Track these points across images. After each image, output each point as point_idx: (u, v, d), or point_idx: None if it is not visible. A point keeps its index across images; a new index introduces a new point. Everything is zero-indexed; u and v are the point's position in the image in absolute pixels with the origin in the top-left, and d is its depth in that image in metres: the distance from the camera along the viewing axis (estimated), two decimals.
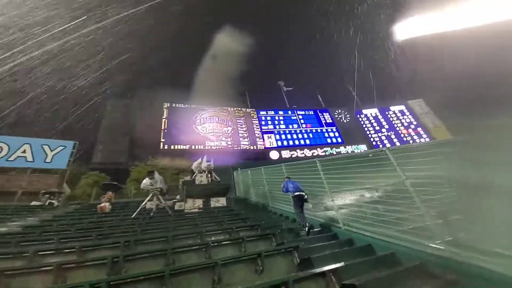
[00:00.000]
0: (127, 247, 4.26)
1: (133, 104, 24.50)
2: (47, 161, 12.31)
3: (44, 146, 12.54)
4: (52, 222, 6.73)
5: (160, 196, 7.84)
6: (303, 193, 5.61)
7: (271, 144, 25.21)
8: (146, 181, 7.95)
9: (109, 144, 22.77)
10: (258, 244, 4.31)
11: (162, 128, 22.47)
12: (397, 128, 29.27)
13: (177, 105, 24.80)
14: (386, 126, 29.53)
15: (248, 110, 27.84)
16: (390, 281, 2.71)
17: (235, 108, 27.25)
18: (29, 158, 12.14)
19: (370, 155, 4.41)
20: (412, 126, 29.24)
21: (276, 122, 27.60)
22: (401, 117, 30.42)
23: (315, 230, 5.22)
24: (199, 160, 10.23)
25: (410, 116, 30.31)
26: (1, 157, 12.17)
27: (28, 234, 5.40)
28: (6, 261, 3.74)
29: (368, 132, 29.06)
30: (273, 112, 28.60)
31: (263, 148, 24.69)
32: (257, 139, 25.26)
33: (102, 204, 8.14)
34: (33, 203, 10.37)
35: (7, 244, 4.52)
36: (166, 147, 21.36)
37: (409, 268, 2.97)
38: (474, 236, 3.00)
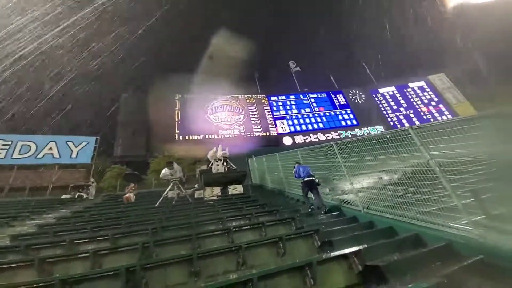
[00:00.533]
0: (155, 233, 4.52)
1: (147, 97, 25.00)
2: (72, 156, 13.09)
3: (68, 142, 13.29)
4: (83, 213, 7.24)
5: (180, 185, 8.14)
6: (314, 178, 5.73)
7: (284, 130, 25.02)
8: (165, 171, 8.25)
9: (128, 138, 23.68)
10: (278, 228, 4.41)
11: (176, 119, 22.90)
12: (417, 106, 27.81)
13: (188, 96, 25.00)
14: (405, 105, 28.13)
15: (259, 96, 27.52)
16: (414, 262, 2.69)
17: (245, 96, 27.04)
18: (56, 155, 12.96)
19: (388, 136, 4.28)
20: (433, 103, 27.65)
21: (288, 107, 27.16)
22: (420, 94, 28.79)
23: (333, 213, 5.23)
24: (214, 149, 10.40)
25: (430, 93, 28.61)
26: (30, 155, 13.07)
27: (63, 224, 5.87)
28: (47, 250, 4.10)
29: (385, 112, 27.90)
30: (284, 97, 28.09)
31: (276, 134, 24.58)
32: (270, 126, 25.13)
33: (127, 195, 8.63)
34: (64, 196, 11.16)
35: (46, 234, 4.95)
36: (181, 138, 21.86)
37: (434, 249, 2.91)
38: (504, 215, 2.87)
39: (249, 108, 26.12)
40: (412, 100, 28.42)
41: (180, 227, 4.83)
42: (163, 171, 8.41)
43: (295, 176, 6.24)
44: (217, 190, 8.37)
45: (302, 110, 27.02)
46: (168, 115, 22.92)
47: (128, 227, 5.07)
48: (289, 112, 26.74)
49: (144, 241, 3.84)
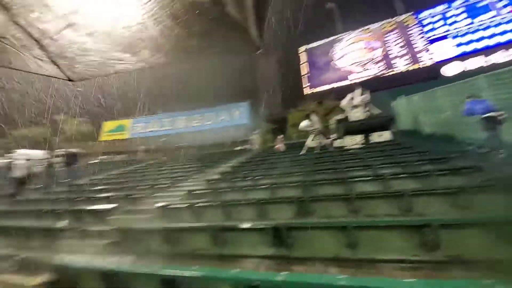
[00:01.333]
0: (308, 175, 5.29)
1: (277, 57, 26.40)
2: (236, 118, 17.78)
3: (233, 109, 18.01)
4: (253, 159, 9.60)
5: (320, 135, 8.59)
6: (497, 113, 4.58)
7: (445, 55, 17.97)
8: (304, 123, 8.91)
9: (268, 98, 27.15)
10: (452, 179, 3.65)
11: (303, 73, 22.96)
12: None
13: (312, 45, 23.66)
14: None
15: (400, 18, 20.78)
16: None
17: (380, 23, 21.37)
18: (228, 119, 18.11)
19: None
20: None
21: (452, 20, 18.58)
22: None
23: None
24: (349, 95, 9.69)
25: None
26: (214, 121, 19.02)
27: (244, 166, 8.09)
28: (240, 182, 5.93)
29: None
30: (443, 7, 19.32)
31: (432, 63, 18.32)
32: (421, 53, 18.94)
33: (278, 145, 10.45)
34: (236, 148, 15.41)
35: (236, 173, 7.14)
36: (310, 91, 22.00)
37: None
38: None
39: (388, 37, 20.71)
40: None
41: (328, 172, 5.28)
42: (301, 124, 9.11)
43: (466, 113, 5.19)
44: (359, 139, 8.02)
45: (477, 19, 17.58)
46: (296, 70, 23.36)
47: (287, 168, 6.24)
48: (453, 26, 18.38)
49: (303, 180, 4.65)
